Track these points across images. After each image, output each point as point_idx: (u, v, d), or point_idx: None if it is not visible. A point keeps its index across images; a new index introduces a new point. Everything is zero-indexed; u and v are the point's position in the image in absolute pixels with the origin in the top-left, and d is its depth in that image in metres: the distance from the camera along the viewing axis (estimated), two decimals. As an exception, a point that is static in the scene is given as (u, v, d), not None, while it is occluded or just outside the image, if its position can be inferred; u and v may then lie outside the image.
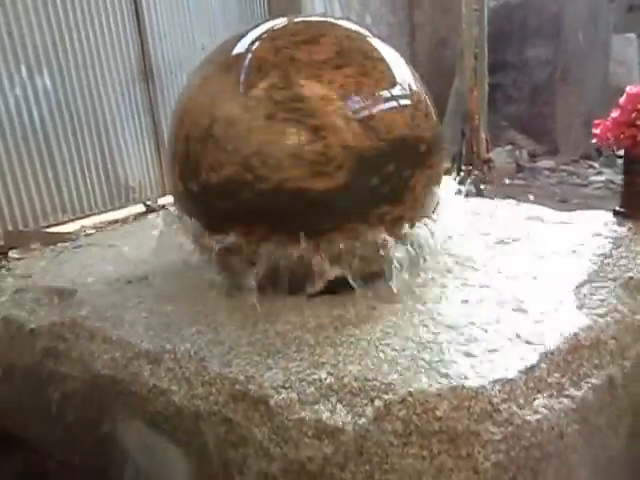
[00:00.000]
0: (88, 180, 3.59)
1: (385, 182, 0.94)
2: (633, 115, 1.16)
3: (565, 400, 0.69)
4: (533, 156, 4.91)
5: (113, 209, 3.60)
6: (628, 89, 1.20)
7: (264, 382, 0.71)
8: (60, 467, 1.06)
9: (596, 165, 4.87)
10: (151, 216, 2.02)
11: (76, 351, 0.90)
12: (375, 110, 0.96)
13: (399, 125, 0.97)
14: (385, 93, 0.99)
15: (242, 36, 1.03)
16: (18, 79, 3.15)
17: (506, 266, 1.03)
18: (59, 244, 1.47)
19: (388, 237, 0.93)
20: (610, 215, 1.30)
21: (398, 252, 0.93)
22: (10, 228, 3.25)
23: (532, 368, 0.71)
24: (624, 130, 1.17)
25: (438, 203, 1.06)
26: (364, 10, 6.29)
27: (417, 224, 0.98)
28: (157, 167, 3.80)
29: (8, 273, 1.24)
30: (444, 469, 0.63)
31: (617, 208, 1.30)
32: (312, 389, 0.70)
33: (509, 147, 4.95)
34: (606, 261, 1.04)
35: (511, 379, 0.68)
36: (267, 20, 1.17)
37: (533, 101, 5.03)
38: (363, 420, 0.65)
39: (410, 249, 0.96)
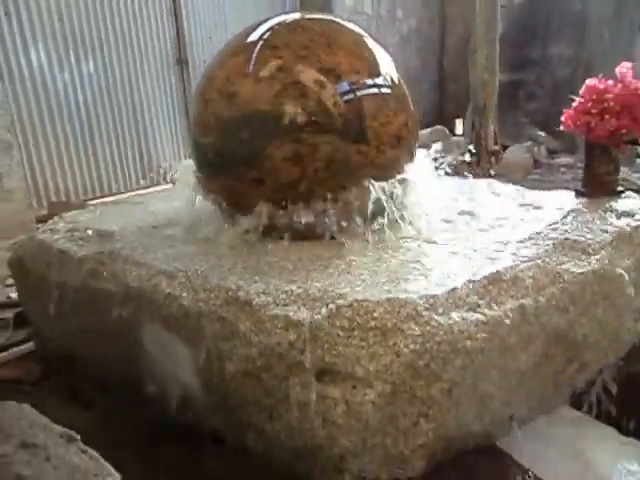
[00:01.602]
0: (124, 160, 3.91)
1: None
2: (589, 104, 1.33)
3: (477, 315, 0.90)
4: (552, 153, 4.98)
5: (146, 187, 3.92)
6: (587, 81, 1.37)
7: (250, 290, 0.95)
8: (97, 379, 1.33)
9: (613, 164, 4.90)
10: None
11: (112, 271, 1.16)
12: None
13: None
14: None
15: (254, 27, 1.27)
16: (67, 64, 3.48)
17: (464, 225, 1.24)
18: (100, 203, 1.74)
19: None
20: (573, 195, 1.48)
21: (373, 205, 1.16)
22: (54, 200, 3.59)
23: (454, 289, 0.92)
24: (580, 117, 1.34)
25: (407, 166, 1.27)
26: (394, 3, 6.41)
27: (391, 183, 1.20)
28: (187, 149, 4.09)
29: (60, 220, 1.52)
30: (376, 354, 0.84)
31: (578, 188, 1.48)
32: (284, 296, 0.93)
33: (528, 143, 5.04)
34: (551, 227, 1.23)
35: (435, 294, 0.89)
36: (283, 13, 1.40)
37: (554, 98, 5.10)
38: (319, 317, 0.87)
39: (385, 204, 1.18)
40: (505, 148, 4.80)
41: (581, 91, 1.37)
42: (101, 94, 3.67)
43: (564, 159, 4.79)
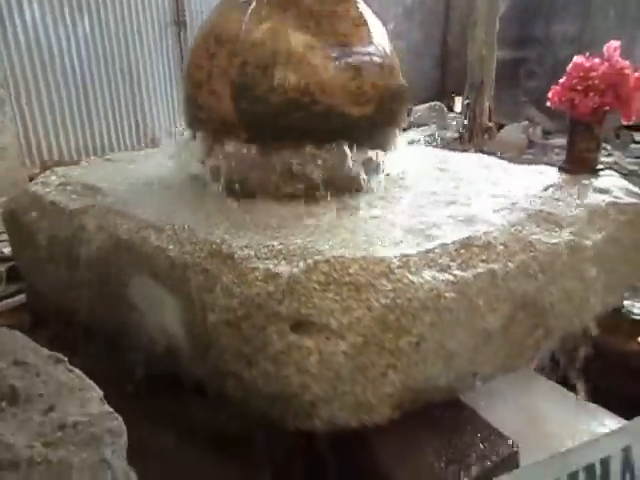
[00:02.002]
0: (118, 121, 3.88)
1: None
2: (575, 81, 1.36)
3: (448, 275, 0.95)
4: (547, 134, 4.99)
5: (140, 148, 3.89)
6: (575, 58, 1.39)
7: (233, 244, 1.00)
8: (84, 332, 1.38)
9: (608, 147, 4.94)
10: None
11: (102, 224, 1.20)
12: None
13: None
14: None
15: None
16: (62, 23, 3.42)
17: (443, 193, 1.28)
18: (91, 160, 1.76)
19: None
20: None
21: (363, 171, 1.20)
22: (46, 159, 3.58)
23: (428, 251, 0.97)
24: (566, 94, 1.37)
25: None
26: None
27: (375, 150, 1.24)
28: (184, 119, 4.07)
29: (52, 173, 1.54)
30: (349, 308, 0.90)
31: (561, 164, 1.52)
32: (265, 250, 0.97)
33: (525, 123, 5.04)
34: (529, 199, 1.27)
35: (408, 254, 0.94)
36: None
37: (554, 78, 5.08)
38: (296, 270, 0.92)
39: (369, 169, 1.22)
40: (502, 126, 4.81)
41: (568, 68, 1.40)
42: (96, 54, 3.62)
43: (558, 140, 4.79)
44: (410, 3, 6.36)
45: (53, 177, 1.51)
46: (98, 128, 3.77)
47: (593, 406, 1.44)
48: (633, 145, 4.93)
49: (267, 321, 0.94)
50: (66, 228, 1.28)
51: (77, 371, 0.59)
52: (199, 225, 1.09)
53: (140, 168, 1.57)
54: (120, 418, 0.54)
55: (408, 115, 5.56)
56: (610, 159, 4.44)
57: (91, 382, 0.57)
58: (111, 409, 0.54)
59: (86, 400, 0.53)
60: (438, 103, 5.58)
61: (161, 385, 1.21)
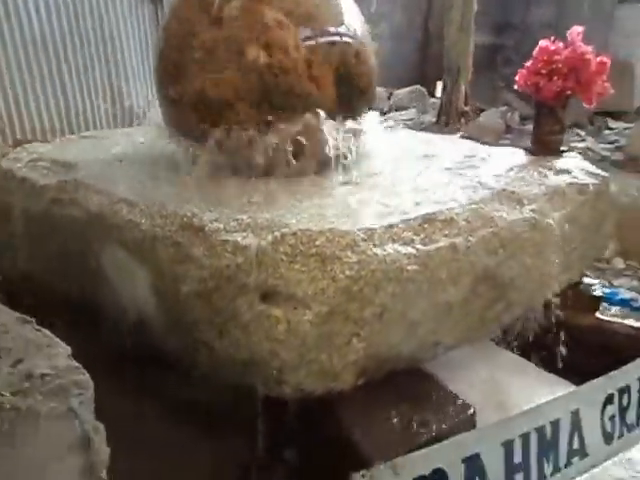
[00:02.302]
0: (95, 102, 3.79)
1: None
2: (539, 65, 1.40)
3: (411, 249, 1.00)
4: (524, 119, 5.07)
5: (115, 125, 3.81)
6: (541, 42, 1.43)
7: (204, 217, 1.02)
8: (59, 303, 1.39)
9: (582, 133, 5.05)
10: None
11: (75, 199, 1.21)
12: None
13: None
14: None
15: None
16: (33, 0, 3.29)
17: (411, 170, 1.32)
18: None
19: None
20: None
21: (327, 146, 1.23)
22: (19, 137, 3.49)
23: (392, 225, 1.01)
24: (531, 77, 1.41)
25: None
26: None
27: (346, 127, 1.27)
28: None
29: (23, 150, 1.53)
30: (315, 279, 0.93)
31: (527, 146, 1.57)
32: (235, 224, 1.00)
33: (503, 108, 5.11)
34: (494, 178, 1.32)
35: (372, 228, 0.98)
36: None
37: (530, 65, 5.16)
38: (264, 243, 0.95)
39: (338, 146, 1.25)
40: (481, 111, 4.87)
41: (534, 52, 1.44)
42: (70, 30, 3.51)
43: (535, 126, 4.89)
44: (393, -15, 6.33)
45: (24, 154, 1.50)
46: (74, 106, 3.68)
47: (553, 377, 1.52)
48: (607, 131, 5.05)
49: (237, 292, 0.97)
50: (37, 203, 1.28)
51: (45, 330, 0.62)
52: (170, 200, 1.11)
53: (113, 146, 1.57)
54: (87, 374, 0.57)
55: (388, 99, 5.59)
56: (583, 144, 4.55)
57: (59, 340, 0.60)
58: (78, 364, 0.57)
59: (53, 355, 0.56)
60: (418, 87, 5.60)
61: (133, 355, 1.24)
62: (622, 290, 2.76)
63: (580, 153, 4.42)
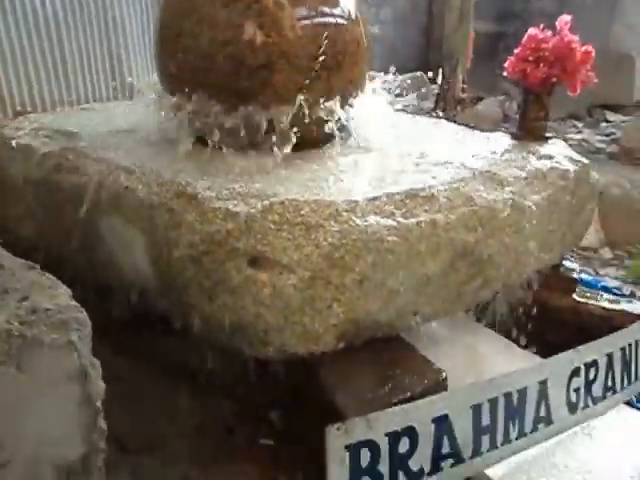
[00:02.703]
0: (94, 75, 3.79)
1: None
2: (527, 52, 1.45)
3: (391, 221, 1.06)
4: (522, 108, 5.07)
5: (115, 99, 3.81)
6: (530, 30, 1.47)
7: (197, 186, 1.08)
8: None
9: (579, 125, 5.08)
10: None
11: (75, 166, 1.26)
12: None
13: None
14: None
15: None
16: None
17: (398, 149, 1.38)
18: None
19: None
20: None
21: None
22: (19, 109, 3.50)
23: (374, 198, 1.07)
24: (519, 64, 1.46)
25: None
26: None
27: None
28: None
29: (25, 119, 1.58)
30: (300, 245, 1.00)
31: (513, 131, 1.63)
32: (227, 192, 1.06)
33: (501, 97, 5.13)
34: (478, 160, 1.38)
35: (355, 200, 1.04)
36: None
37: (531, 54, 5.16)
38: (254, 211, 1.01)
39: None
40: (479, 99, 4.89)
41: (524, 39, 1.48)
42: (71, 1, 3.50)
43: (532, 116, 4.91)
44: (397, -32, 6.29)
45: (26, 122, 1.55)
46: (73, 79, 3.68)
47: (530, 354, 1.59)
48: (604, 124, 5.08)
49: (226, 256, 1.03)
50: (39, 170, 1.34)
51: (48, 274, 0.68)
52: (166, 169, 1.17)
53: (114, 117, 1.62)
54: (85, 312, 0.63)
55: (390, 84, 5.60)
56: (579, 136, 4.59)
57: (61, 283, 0.66)
58: (78, 304, 0.63)
59: (56, 295, 0.62)
60: (420, 73, 5.61)
61: (129, 320, 1.31)
62: (607, 279, 2.84)
63: (575, 144, 4.46)
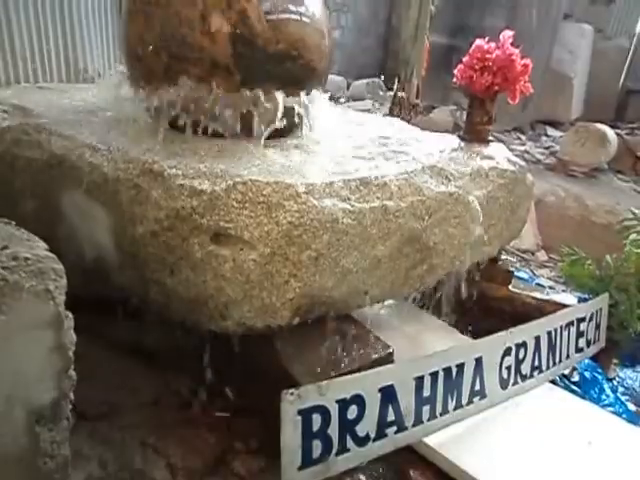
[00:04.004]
0: (46, 55, 3.65)
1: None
2: (474, 61, 1.59)
3: (346, 205, 1.14)
4: (472, 120, 5.35)
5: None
6: (477, 41, 1.61)
7: (164, 164, 1.13)
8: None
9: (523, 138, 5.42)
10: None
11: (37, 141, 1.27)
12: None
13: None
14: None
15: None
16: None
17: (354, 143, 1.47)
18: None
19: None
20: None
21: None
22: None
23: (331, 183, 1.15)
24: (466, 71, 1.60)
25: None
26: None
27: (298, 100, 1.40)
28: (119, 59, 3.90)
29: (-19, 94, 1.56)
30: (261, 223, 1.06)
31: (460, 133, 1.76)
32: (192, 171, 1.11)
33: (453, 107, 5.39)
34: (429, 157, 1.49)
35: (313, 183, 1.12)
36: None
37: (482, 68, 5.46)
38: (218, 189, 1.07)
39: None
40: (433, 108, 5.12)
41: (471, 49, 1.62)
42: None
43: (481, 127, 5.21)
44: (359, -21, 6.48)
45: (-17, 97, 1.53)
46: (22, 61, 3.54)
47: (469, 339, 1.72)
48: (544, 138, 5.45)
49: (189, 232, 1.08)
50: (-2, 144, 1.33)
51: (24, 230, 0.71)
52: (132, 148, 1.20)
53: (74, 97, 1.62)
54: (61, 264, 0.67)
55: (347, 88, 5.75)
56: (522, 148, 4.91)
57: (37, 238, 0.69)
58: (54, 255, 0.67)
59: (34, 247, 0.65)
60: (376, 79, 5.80)
61: (84, 300, 1.32)
62: (541, 278, 3.08)
63: (519, 155, 4.75)
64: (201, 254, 1.09)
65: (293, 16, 1.39)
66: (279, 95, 1.35)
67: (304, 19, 1.42)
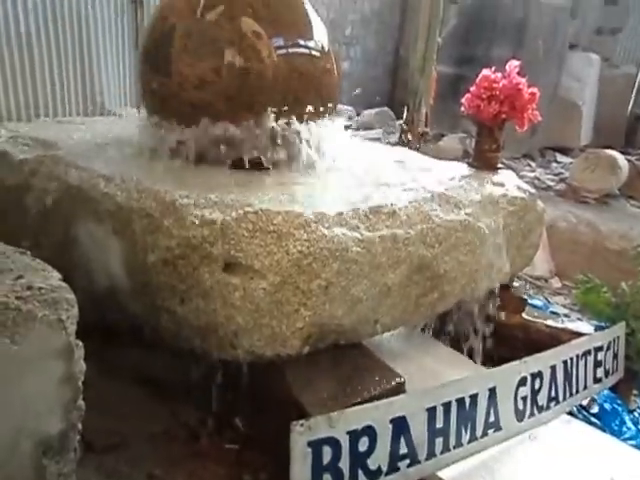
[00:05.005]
0: (66, 92, 3.78)
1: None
2: (481, 90, 1.61)
3: (356, 234, 1.15)
4: (481, 147, 5.38)
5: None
6: (483, 71, 1.64)
7: (175, 194, 1.14)
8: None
9: (533, 164, 5.43)
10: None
11: (53, 172, 1.30)
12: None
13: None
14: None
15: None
16: (9, -12, 3.30)
17: (365, 171, 1.49)
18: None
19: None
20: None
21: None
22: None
23: (341, 213, 1.16)
24: (474, 100, 1.62)
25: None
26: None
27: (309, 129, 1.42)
28: (134, 87, 4.01)
29: (1, 127, 1.61)
30: (271, 252, 1.07)
31: (469, 160, 1.77)
32: (204, 201, 1.13)
33: (462, 135, 5.44)
34: (437, 184, 1.50)
35: (323, 212, 1.13)
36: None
37: (490, 97, 5.53)
38: (229, 218, 1.08)
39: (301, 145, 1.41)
40: (442, 136, 5.16)
41: (478, 79, 1.65)
42: (46, 25, 3.51)
43: (490, 153, 5.24)
44: (368, 12, 6.66)
45: (3, 131, 1.58)
46: (43, 95, 3.65)
47: (482, 369, 1.69)
48: (554, 164, 5.46)
49: (200, 261, 1.09)
50: (16, 176, 1.37)
51: (39, 260, 0.72)
52: (146, 179, 1.23)
53: (90, 130, 1.67)
54: (73, 294, 0.67)
55: (358, 115, 5.84)
56: (532, 174, 4.91)
57: (51, 268, 0.70)
58: (67, 285, 0.68)
59: (48, 277, 0.66)
60: (386, 109, 5.89)
61: (95, 329, 1.33)
62: (556, 305, 3.02)
63: (529, 181, 4.75)
64: (211, 282, 1.09)
65: (302, 50, 1.43)
66: (291, 125, 1.37)
67: (313, 52, 1.46)
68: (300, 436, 0.99)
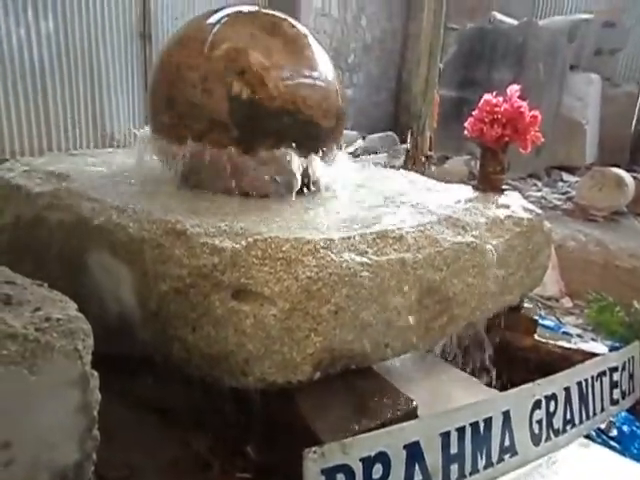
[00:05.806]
0: (77, 127, 3.90)
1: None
2: (484, 114, 1.64)
3: (364, 258, 1.16)
4: (486, 168, 5.42)
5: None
6: (485, 96, 1.67)
7: (186, 224, 1.17)
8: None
9: (539, 184, 5.44)
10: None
11: (67, 204, 1.33)
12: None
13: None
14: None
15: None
16: (24, 19, 3.42)
17: (372, 196, 1.51)
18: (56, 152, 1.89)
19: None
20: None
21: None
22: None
23: (349, 237, 1.17)
24: (477, 124, 1.65)
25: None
26: (360, 12, 6.71)
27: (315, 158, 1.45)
28: (142, 119, 4.13)
29: (16, 162, 1.66)
30: (281, 279, 1.08)
31: (474, 183, 1.79)
32: (213, 229, 1.15)
33: (467, 157, 5.49)
34: (443, 208, 1.51)
35: (332, 238, 1.14)
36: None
37: (493, 119, 5.59)
38: (238, 246, 1.10)
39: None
40: (447, 158, 5.21)
41: (480, 103, 1.68)
42: (59, 55, 3.61)
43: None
44: (370, 40, 6.83)
45: (17, 164, 1.63)
46: (55, 131, 3.77)
47: (494, 392, 1.67)
48: (560, 183, 5.47)
49: (211, 289, 1.11)
50: (31, 209, 1.40)
51: (57, 292, 0.74)
52: (157, 209, 1.26)
53: (102, 162, 1.71)
54: (89, 324, 0.69)
55: (362, 139, 5.92)
56: (539, 194, 4.91)
57: (68, 298, 0.72)
58: (83, 316, 0.69)
59: (65, 307, 0.68)
60: (390, 133, 5.97)
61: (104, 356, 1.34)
62: (568, 326, 2.99)
63: (535, 201, 4.75)
64: (222, 310, 1.10)
65: (307, 80, 1.47)
66: (298, 152, 1.40)
67: (318, 82, 1.50)
68: (313, 463, 0.98)
